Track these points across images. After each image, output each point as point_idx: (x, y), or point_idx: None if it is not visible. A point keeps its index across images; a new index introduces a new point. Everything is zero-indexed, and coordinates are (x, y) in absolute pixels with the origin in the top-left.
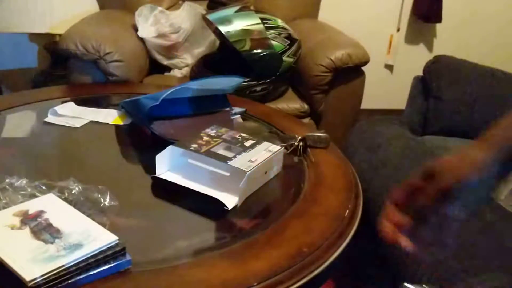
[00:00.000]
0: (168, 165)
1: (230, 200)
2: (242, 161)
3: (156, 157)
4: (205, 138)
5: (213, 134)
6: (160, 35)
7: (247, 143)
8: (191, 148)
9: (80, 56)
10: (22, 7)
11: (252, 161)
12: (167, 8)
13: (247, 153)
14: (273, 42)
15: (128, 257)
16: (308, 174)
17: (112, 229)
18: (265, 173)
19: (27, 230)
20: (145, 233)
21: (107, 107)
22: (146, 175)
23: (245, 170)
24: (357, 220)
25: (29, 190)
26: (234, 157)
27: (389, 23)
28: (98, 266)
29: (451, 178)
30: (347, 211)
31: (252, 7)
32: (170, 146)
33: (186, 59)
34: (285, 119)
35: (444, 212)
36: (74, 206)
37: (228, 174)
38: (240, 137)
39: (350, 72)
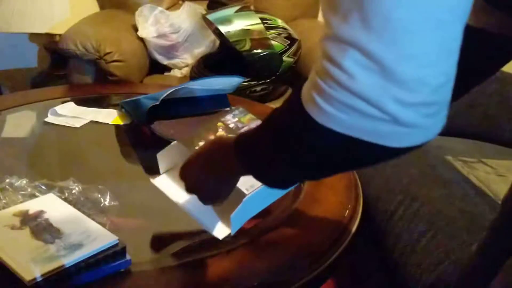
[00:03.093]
0: (171, 164)
1: (222, 228)
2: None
3: (157, 155)
4: (220, 132)
5: (232, 126)
6: (160, 35)
7: None
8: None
9: (80, 56)
10: (22, 7)
11: None
12: (167, 8)
13: None
14: (273, 42)
15: (128, 257)
16: None
17: (112, 229)
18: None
19: (27, 230)
20: (145, 233)
21: (107, 107)
22: (146, 175)
23: (245, 191)
24: (357, 220)
25: (29, 190)
26: None
27: None
28: (98, 266)
29: None
30: (347, 211)
31: (252, 7)
32: (175, 142)
33: (186, 59)
34: None
35: None
36: (74, 206)
37: None
38: None
39: None
